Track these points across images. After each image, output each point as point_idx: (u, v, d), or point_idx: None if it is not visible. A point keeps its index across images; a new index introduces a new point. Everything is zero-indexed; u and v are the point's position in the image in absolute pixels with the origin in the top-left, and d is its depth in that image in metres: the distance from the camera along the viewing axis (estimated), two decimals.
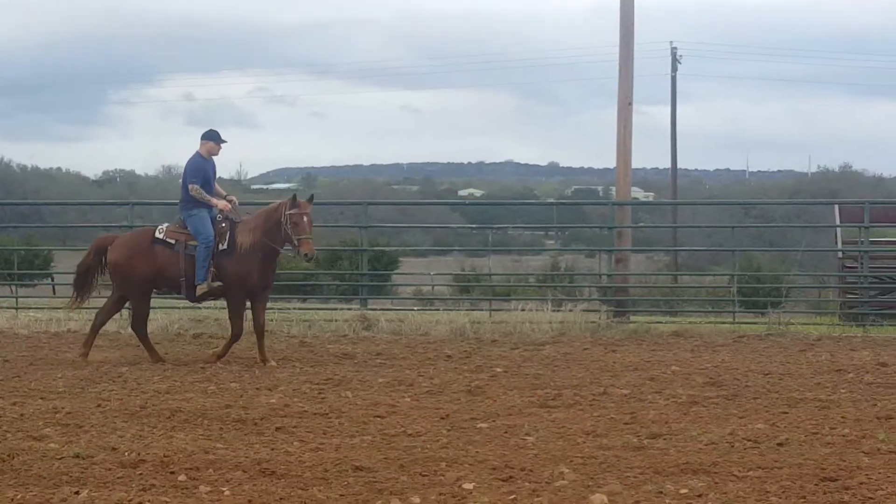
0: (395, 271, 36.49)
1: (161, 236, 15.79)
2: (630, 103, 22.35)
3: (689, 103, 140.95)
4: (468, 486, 8.63)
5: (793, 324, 20.29)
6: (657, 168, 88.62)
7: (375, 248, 31.60)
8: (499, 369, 15.12)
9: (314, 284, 26.35)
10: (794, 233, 46.01)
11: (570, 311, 20.18)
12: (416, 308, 21.94)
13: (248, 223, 15.68)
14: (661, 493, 8.43)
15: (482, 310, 21.61)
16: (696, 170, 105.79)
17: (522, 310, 20.02)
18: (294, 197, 15.63)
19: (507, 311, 20.83)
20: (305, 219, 15.37)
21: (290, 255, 16.24)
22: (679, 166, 58.30)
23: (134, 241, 16.05)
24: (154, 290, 16.35)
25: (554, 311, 20.06)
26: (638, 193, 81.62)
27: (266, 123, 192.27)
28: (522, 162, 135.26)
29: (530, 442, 10.34)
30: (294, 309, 21.87)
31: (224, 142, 16.15)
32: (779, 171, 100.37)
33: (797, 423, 11.19)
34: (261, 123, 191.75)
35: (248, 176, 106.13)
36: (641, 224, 45.64)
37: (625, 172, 22.52)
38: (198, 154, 15.99)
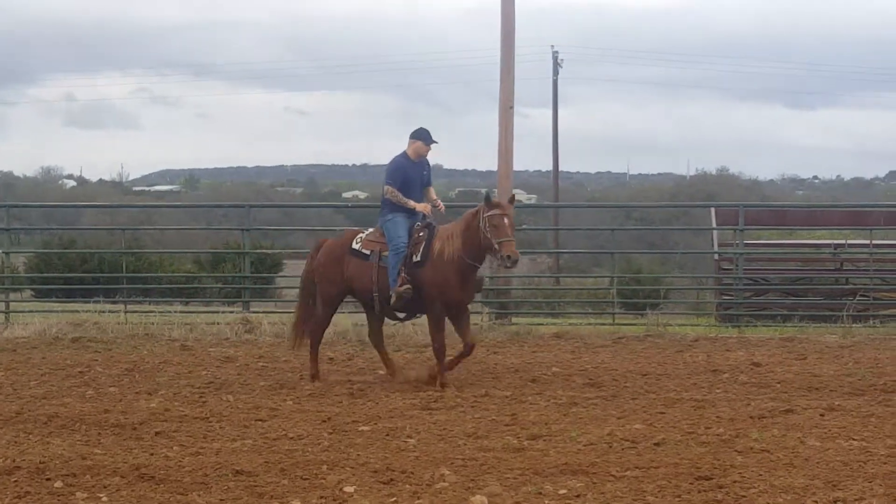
0: (279, 274, 36.31)
1: (357, 246, 14.42)
2: (511, 106, 22.49)
3: (571, 106, 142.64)
4: (349, 489, 8.66)
5: (671, 325, 20.54)
6: (539, 170, 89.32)
7: (258, 251, 31.44)
8: (381, 372, 15.14)
9: (197, 287, 26.21)
10: (673, 235, 46.64)
11: None
12: None
13: (446, 231, 14.07)
14: (541, 493, 8.54)
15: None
16: (578, 172, 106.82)
17: None
18: (488, 197, 14.02)
19: None
20: (506, 220, 13.65)
21: (493, 261, 14.61)
22: (561, 169, 58.85)
23: (333, 248, 14.74)
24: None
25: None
26: (521, 196, 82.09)
27: (148, 124, 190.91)
28: None
29: (412, 444, 10.39)
30: (176, 312, 21.67)
31: (434, 142, 14.61)
32: (658, 173, 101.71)
33: (674, 422, 11.37)
34: (143, 124, 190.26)
35: (130, 177, 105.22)
36: (524, 226, 45.96)
37: (506, 175, 22.64)
38: (403, 154, 14.52)
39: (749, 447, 10.11)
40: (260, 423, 11.50)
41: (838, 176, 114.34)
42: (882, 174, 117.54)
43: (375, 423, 11.43)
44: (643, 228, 41.29)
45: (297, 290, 15.63)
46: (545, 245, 42.67)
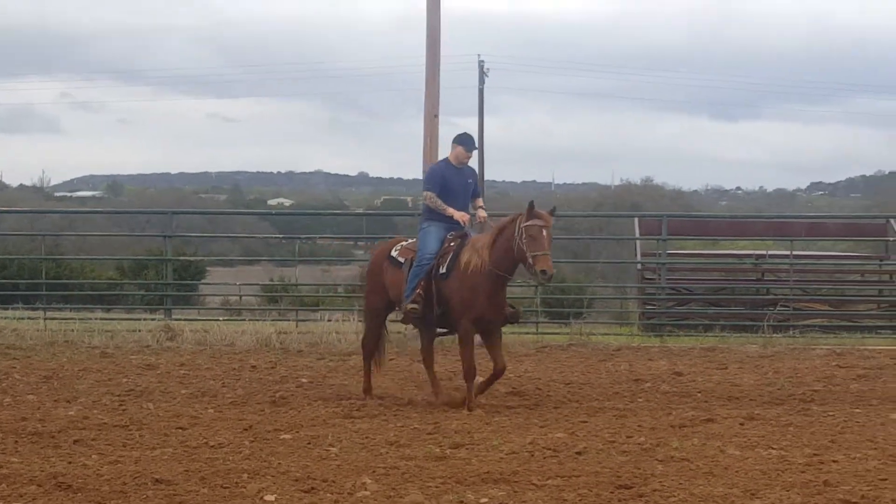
0: (202, 281, 36.15)
1: (395, 254, 13.68)
2: (436, 115, 22.47)
3: (497, 116, 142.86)
4: (270, 497, 8.62)
5: (594, 334, 20.66)
6: None
7: (181, 258, 31.28)
8: (304, 380, 15.11)
9: (118, 294, 26.01)
10: (597, 244, 46.85)
11: None
12: (221, 318, 21.76)
13: (477, 241, 13.10)
14: (462, 502, 8.54)
15: (289, 320, 21.56)
16: (504, 181, 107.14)
17: (329, 320, 20.01)
18: (532, 206, 12.80)
19: (314, 321, 20.80)
20: (545, 233, 12.61)
21: (528, 276, 13.93)
22: (487, 178, 58.92)
23: (377, 256, 14.28)
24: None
25: (360, 321, 20.05)
26: None
27: (71, 130, 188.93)
28: (332, 172, 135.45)
29: (333, 453, 10.36)
30: (96, 319, 21.48)
31: (475, 148, 13.78)
32: (583, 183, 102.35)
33: (595, 431, 11.41)
34: (66, 129, 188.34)
35: (52, 183, 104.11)
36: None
37: None
38: (444, 160, 13.77)
39: (669, 456, 10.16)
40: (180, 431, 11.41)
41: (761, 187, 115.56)
42: (804, 186, 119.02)
43: (297, 432, 11.38)
44: (567, 238, 41.36)
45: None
46: None
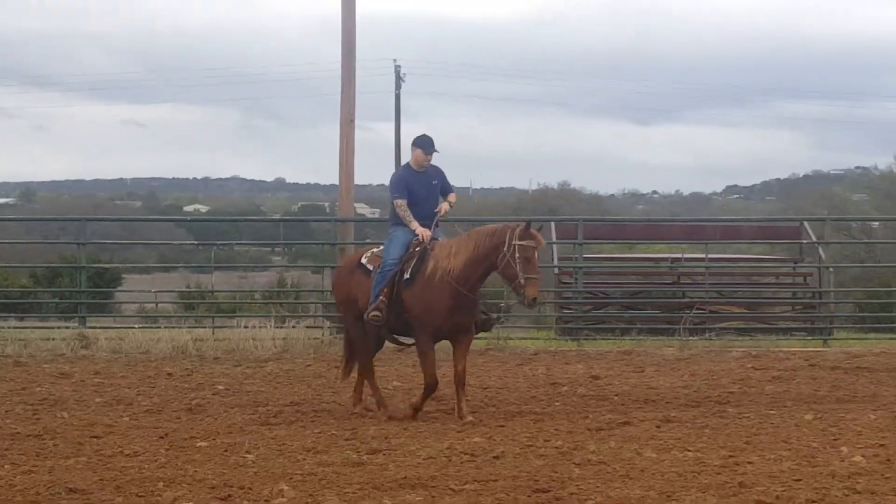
0: (118, 288, 35.85)
1: (364, 261, 13.22)
2: (353, 120, 22.48)
3: (416, 121, 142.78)
4: None
5: (511, 339, 20.69)
6: (383, 184, 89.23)
7: (95, 265, 31.01)
8: (220, 387, 15.02)
9: (32, 302, 25.72)
10: None
11: (294, 327, 20.17)
12: (137, 326, 21.58)
13: (445, 247, 12.70)
14: None
15: (205, 327, 21.42)
16: None
17: (246, 327, 19.91)
18: (529, 224, 12.48)
19: (231, 328, 20.69)
20: (536, 255, 12.38)
21: (511, 295, 13.56)
22: None
23: (345, 264, 13.96)
24: None
25: (278, 327, 20.00)
26: (364, 210, 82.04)
27: None
28: (249, 178, 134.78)
29: (250, 460, 10.30)
30: (9, 328, 21.22)
31: (436, 151, 13.23)
32: (501, 188, 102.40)
33: (513, 435, 11.43)
34: None
35: None
36: (367, 240, 45.92)
37: (347, 189, 22.61)
38: (405, 165, 13.43)
39: (586, 459, 10.20)
40: (95, 440, 11.30)
41: (677, 191, 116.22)
42: (720, 189, 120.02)
43: (214, 439, 11.31)
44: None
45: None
46: None
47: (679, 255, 26.40)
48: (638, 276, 26.49)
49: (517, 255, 12.24)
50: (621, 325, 22.94)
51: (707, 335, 20.72)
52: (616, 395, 14.23)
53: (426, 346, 12.73)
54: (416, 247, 12.79)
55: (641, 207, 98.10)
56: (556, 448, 10.74)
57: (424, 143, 13.20)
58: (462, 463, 10.14)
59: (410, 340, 13.21)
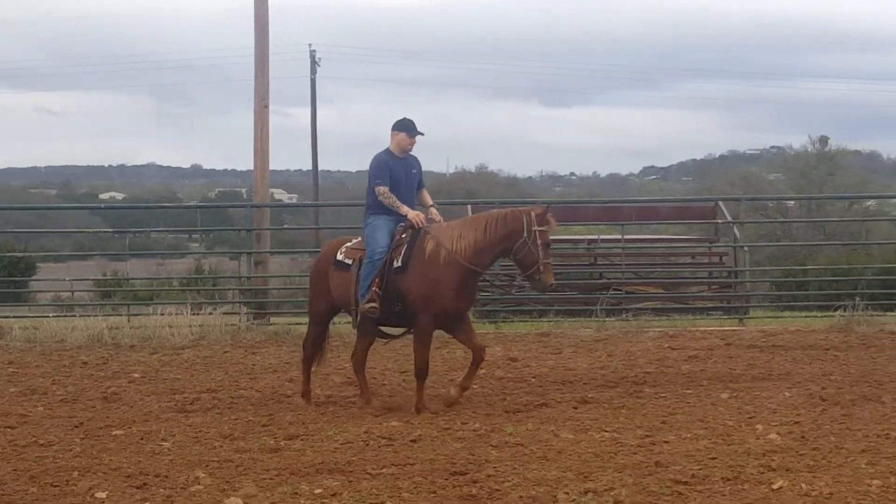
0: (32, 277, 35.43)
1: (341, 256, 12.61)
2: (267, 105, 22.36)
3: (332, 105, 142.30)
4: (101, 494, 8.51)
5: None
6: (300, 169, 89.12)
7: (8, 255, 30.65)
8: (136, 375, 14.89)
9: None
10: None
11: (211, 314, 20.03)
12: (52, 315, 21.33)
13: (447, 229, 12.23)
14: (297, 493, 8.51)
15: (121, 315, 21.22)
16: (339, 171, 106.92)
17: (162, 314, 19.74)
18: (548, 209, 12.15)
19: (147, 315, 20.51)
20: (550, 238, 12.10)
21: (522, 281, 13.03)
22: (321, 168, 58.81)
23: (320, 258, 13.19)
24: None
25: (194, 314, 19.84)
26: (282, 195, 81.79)
27: None
28: (165, 164, 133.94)
29: (166, 447, 10.26)
30: None
31: (420, 133, 12.54)
32: None
33: (430, 419, 11.46)
34: None
35: None
36: (285, 226, 45.75)
37: (262, 175, 22.49)
38: (386, 150, 12.57)
39: (504, 441, 10.24)
40: (9, 430, 11.20)
41: (595, 172, 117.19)
42: (637, 170, 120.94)
43: (129, 428, 11.24)
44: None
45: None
46: (306, 244, 42.54)
47: (596, 237, 26.47)
48: (555, 257, 26.48)
49: (538, 241, 11.89)
50: (539, 307, 22.97)
51: (624, 316, 20.79)
52: (533, 377, 14.27)
53: (428, 330, 12.30)
54: (403, 233, 12.27)
55: (559, 189, 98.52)
56: (474, 430, 10.78)
57: (408, 126, 12.53)
58: (380, 447, 10.15)
59: (398, 331, 12.91)
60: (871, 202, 52.05)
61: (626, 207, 26.22)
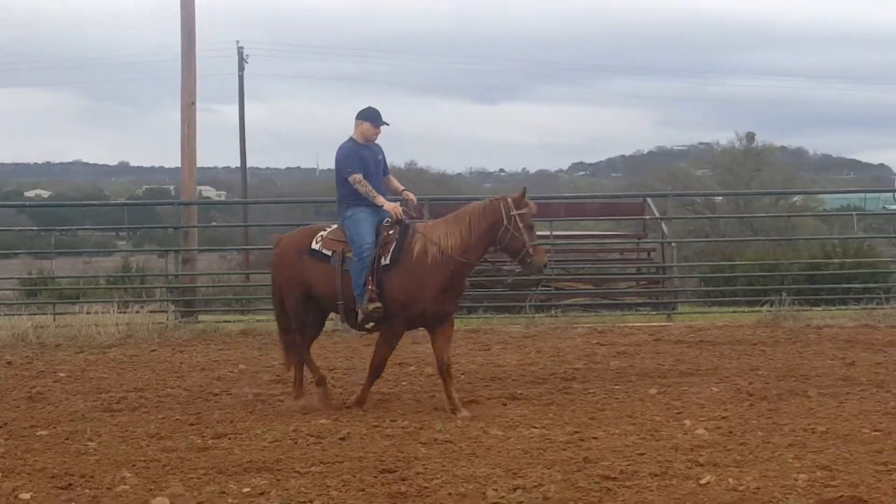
0: None
1: (317, 246, 12.22)
2: (193, 102, 22.25)
3: (260, 102, 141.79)
4: (25, 495, 8.42)
5: None
6: (229, 167, 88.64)
7: None
8: (62, 374, 14.73)
9: None
10: None
11: (138, 312, 19.87)
12: None
13: (434, 228, 12.01)
14: (224, 492, 8.46)
15: (47, 313, 21.01)
16: (268, 168, 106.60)
17: (88, 312, 19.54)
18: (525, 191, 11.98)
19: (73, 314, 20.31)
20: (533, 222, 11.99)
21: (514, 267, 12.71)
22: (250, 165, 58.46)
23: (287, 248, 12.54)
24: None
25: (121, 312, 19.67)
26: (210, 192, 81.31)
27: None
28: (92, 162, 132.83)
29: (92, 447, 10.16)
30: None
31: (385, 124, 12.34)
32: None
33: (360, 416, 11.42)
34: None
35: None
36: (213, 223, 45.50)
37: (190, 172, 22.36)
38: (350, 140, 12.27)
39: (433, 438, 10.23)
40: None
41: (524, 168, 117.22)
42: (566, 166, 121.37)
43: (55, 427, 11.12)
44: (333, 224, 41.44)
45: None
46: (234, 242, 42.47)
47: None
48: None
49: (520, 224, 11.76)
50: (468, 303, 22.97)
51: (553, 312, 20.85)
52: (463, 374, 14.25)
53: (398, 333, 12.06)
54: (390, 230, 11.99)
55: (489, 186, 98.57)
56: (403, 428, 10.75)
57: (373, 116, 12.28)
58: (308, 445, 10.11)
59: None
60: (797, 198, 52.65)
61: (554, 204, 26.29)
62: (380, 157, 12.41)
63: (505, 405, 11.97)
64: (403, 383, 13.63)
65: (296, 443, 10.20)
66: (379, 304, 11.73)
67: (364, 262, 11.79)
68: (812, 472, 8.75)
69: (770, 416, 11.09)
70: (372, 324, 12.09)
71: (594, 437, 10.17)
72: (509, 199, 11.89)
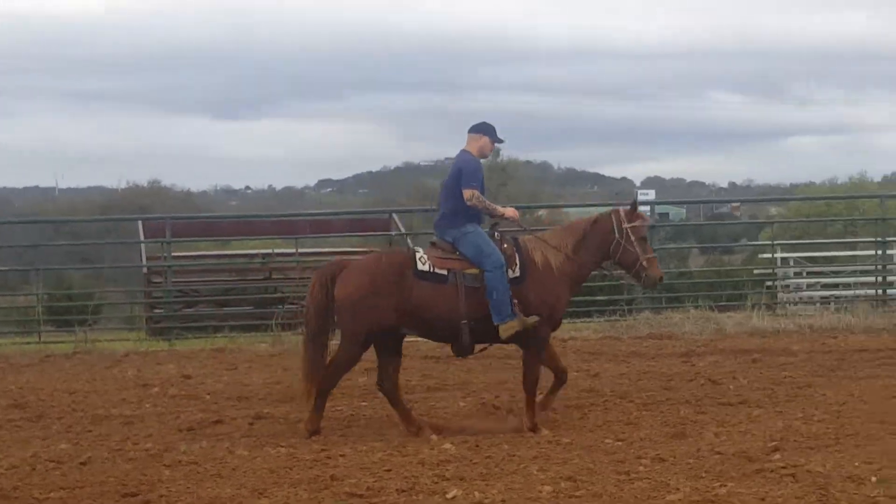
0: None
1: (425, 267, 11.37)
2: None
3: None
4: None
5: (100, 341, 20.13)
6: None
7: None
8: None
9: None
10: (106, 249, 46.03)
11: None
12: None
13: (547, 240, 11.68)
14: None
15: None
16: (5, 188, 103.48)
17: None
18: (635, 203, 11.88)
19: None
20: (646, 233, 11.85)
21: (627, 280, 12.51)
22: None
23: (379, 271, 11.37)
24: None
25: None
26: None
27: None
28: None
29: None
30: None
31: (502, 141, 11.98)
32: (89, 187, 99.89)
33: (101, 440, 11.16)
34: None
35: None
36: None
37: None
38: (467, 153, 11.79)
39: (177, 460, 10.05)
40: None
41: (270, 186, 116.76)
42: (313, 183, 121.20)
43: None
44: (73, 244, 40.55)
45: (303, 330, 12.24)
46: None
47: (270, 251, 26.37)
48: (230, 272, 26.31)
49: (632, 237, 11.67)
50: (213, 322, 22.72)
51: (299, 330, 20.72)
52: (208, 394, 14.05)
53: (544, 343, 11.61)
54: (505, 243, 11.53)
55: (235, 203, 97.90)
56: (146, 450, 10.55)
57: (492, 131, 11.87)
58: (47, 471, 9.82)
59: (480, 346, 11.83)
60: (542, 211, 53.58)
61: (300, 221, 26.27)
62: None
63: (251, 424, 11.86)
64: (147, 405, 13.35)
65: (34, 468, 9.88)
66: (537, 317, 11.33)
67: (502, 278, 11.28)
68: (556, 483, 8.87)
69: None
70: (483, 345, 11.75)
71: (341, 455, 10.13)
72: (621, 212, 11.84)
